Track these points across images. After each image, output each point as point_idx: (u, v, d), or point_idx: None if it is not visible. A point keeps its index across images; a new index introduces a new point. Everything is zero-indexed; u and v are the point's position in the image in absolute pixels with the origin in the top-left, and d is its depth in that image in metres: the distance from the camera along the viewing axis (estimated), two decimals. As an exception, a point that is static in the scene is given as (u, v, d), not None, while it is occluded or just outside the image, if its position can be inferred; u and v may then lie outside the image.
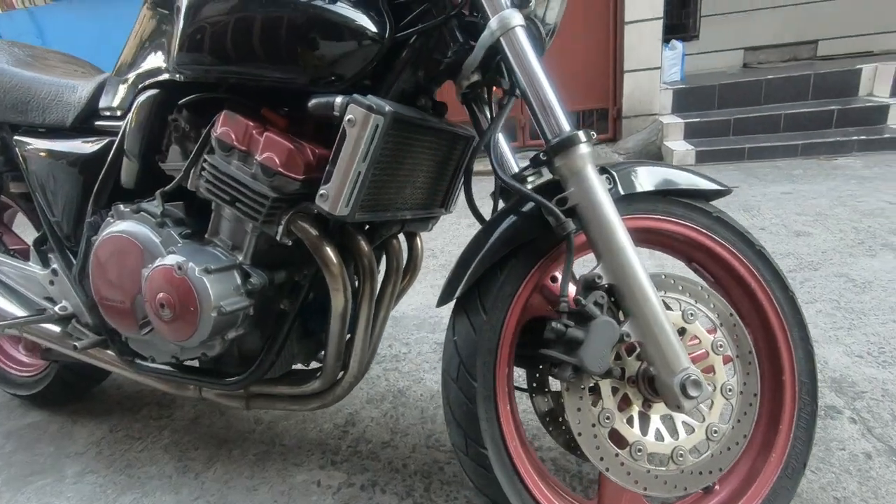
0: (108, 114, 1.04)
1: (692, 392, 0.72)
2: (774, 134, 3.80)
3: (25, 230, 1.41)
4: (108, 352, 1.13)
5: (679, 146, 3.77)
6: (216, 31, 0.80)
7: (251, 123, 0.83)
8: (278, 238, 0.85)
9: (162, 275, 0.85)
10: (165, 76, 0.91)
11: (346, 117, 0.73)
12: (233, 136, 0.83)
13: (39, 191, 1.12)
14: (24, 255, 1.33)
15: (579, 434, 0.75)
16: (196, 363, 1.06)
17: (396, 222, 0.99)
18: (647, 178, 0.83)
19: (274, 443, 1.25)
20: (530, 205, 0.80)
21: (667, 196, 0.85)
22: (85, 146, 1.05)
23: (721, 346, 0.81)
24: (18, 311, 1.14)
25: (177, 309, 0.84)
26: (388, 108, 0.73)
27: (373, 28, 0.78)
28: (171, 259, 0.85)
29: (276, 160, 0.80)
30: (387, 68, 0.83)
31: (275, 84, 0.82)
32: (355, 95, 0.73)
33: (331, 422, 1.31)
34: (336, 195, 0.75)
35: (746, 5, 5.28)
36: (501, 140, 0.96)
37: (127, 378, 1.60)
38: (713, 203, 0.89)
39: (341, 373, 0.99)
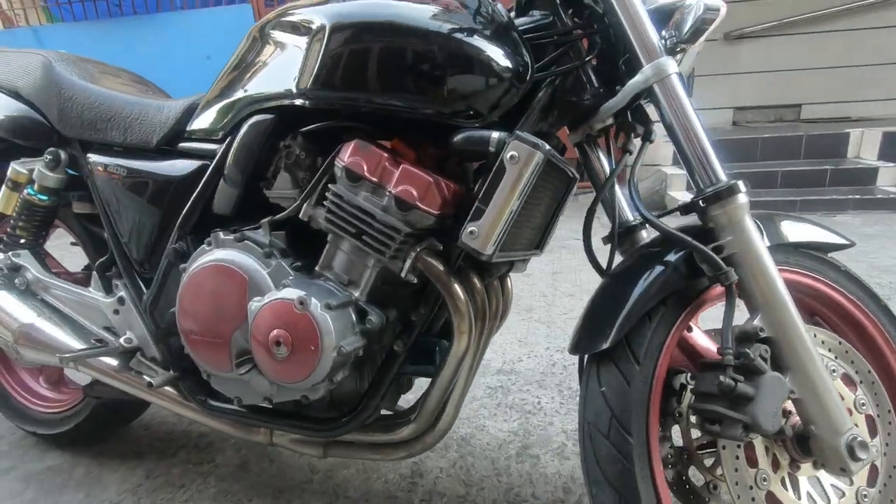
0: (198, 136, 1.00)
1: (861, 454, 0.69)
2: (773, 189, 3.96)
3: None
4: (169, 389, 1.04)
5: (686, 197, 3.89)
6: (361, 59, 0.78)
7: (385, 154, 0.80)
8: (403, 275, 0.81)
9: (279, 309, 0.78)
10: (283, 101, 0.87)
11: (508, 154, 0.71)
12: (364, 167, 0.79)
13: (111, 212, 1.05)
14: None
15: (738, 497, 0.71)
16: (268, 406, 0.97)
17: (506, 262, 0.95)
18: (788, 230, 0.82)
19: (337, 494, 1.15)
20: (675, 252, 0.78)
21: (798, 248, 0.85)
22: (174, 168, 0.99)
23: (863, 404, 0.79)
24: (72, 342, 1.04)
25: (294, 347, 0.78)
26: (546, 146, 0.71)
27: (517, 66, 0.78)
28: (290, 293, 0.79)
29: (414, 193, 0.77)
30: (519, 107, 0.82)
31: (411, 115, 0.80)
32: (518, 132, 0.71)
33: (395, 472, 1.22)
34: (487, 234, 0.72)
35: (736, 69, 5.60)
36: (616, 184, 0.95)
37: (157, 417, 1.48)
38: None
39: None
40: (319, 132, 0.87)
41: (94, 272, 1.08)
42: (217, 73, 1.00)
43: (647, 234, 0.93)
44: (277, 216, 0.88)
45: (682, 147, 0.76)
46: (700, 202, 0.75)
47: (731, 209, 0.73)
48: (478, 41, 0.76)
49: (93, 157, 1.06)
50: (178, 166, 0.99)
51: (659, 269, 0.77)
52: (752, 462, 0.74)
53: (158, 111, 1.04)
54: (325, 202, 0.82)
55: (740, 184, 0.73)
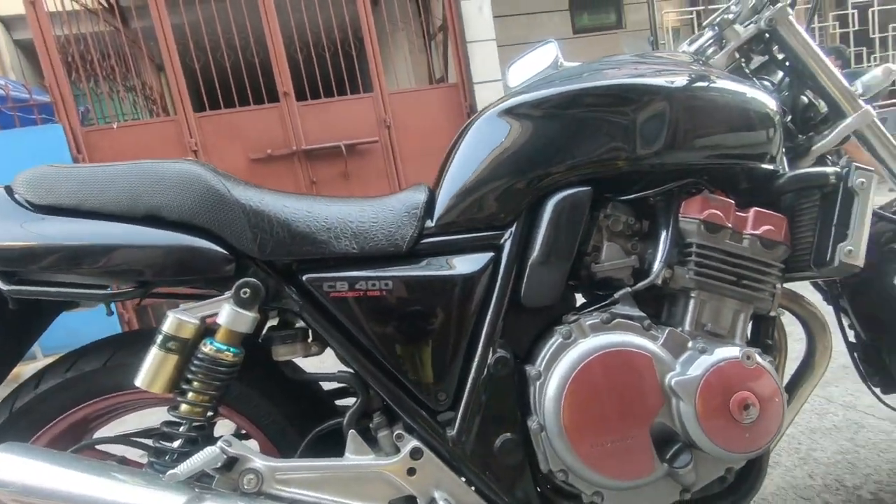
0: (459, 228, 0.88)
1: None
2: None
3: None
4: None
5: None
6: (705, 122, 0.85)
7: (732, 202, 0.86)
8: (772, 312, 0.85)
9: (732, 371, 0.73)
10: (610, 171, 0.85)
11: (857, 180, 0.85)
12: (723, 216, 0.84)
13: (369, 342, 0.81)
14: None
15: None
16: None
17: None
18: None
19: None
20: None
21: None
22: (453, 267, 0.84)
23: None
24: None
25: (762, 404, 0.72)
26: None
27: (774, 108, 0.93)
28: (726, 351, 0.75)
29: (777, 231, 0.84)
30: None
31: (736, 164, 0.88)
32: (855, 164, 0.86)
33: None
34: (861, 249, 0.83)
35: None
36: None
37: None
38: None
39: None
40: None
41: (350, 430, 0.79)
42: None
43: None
44: (638, 285, 0.83)
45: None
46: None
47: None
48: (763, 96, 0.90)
49: (319, 277, 0.81)
50: (459, 264, 0.84)
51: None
52: None
53: (388, 210, 0.88)
54: (686, 259, 0.82)
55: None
